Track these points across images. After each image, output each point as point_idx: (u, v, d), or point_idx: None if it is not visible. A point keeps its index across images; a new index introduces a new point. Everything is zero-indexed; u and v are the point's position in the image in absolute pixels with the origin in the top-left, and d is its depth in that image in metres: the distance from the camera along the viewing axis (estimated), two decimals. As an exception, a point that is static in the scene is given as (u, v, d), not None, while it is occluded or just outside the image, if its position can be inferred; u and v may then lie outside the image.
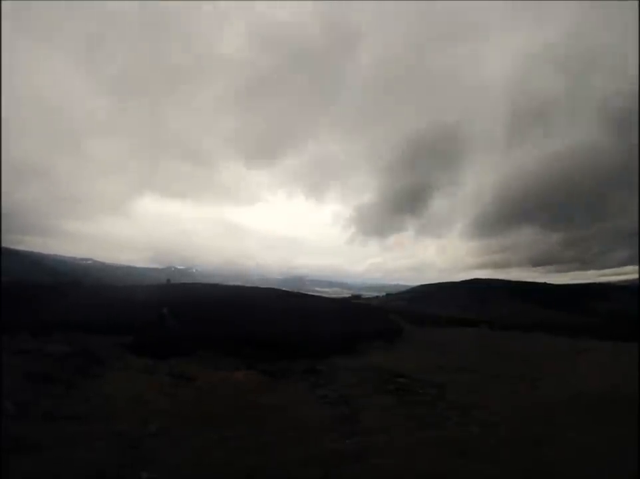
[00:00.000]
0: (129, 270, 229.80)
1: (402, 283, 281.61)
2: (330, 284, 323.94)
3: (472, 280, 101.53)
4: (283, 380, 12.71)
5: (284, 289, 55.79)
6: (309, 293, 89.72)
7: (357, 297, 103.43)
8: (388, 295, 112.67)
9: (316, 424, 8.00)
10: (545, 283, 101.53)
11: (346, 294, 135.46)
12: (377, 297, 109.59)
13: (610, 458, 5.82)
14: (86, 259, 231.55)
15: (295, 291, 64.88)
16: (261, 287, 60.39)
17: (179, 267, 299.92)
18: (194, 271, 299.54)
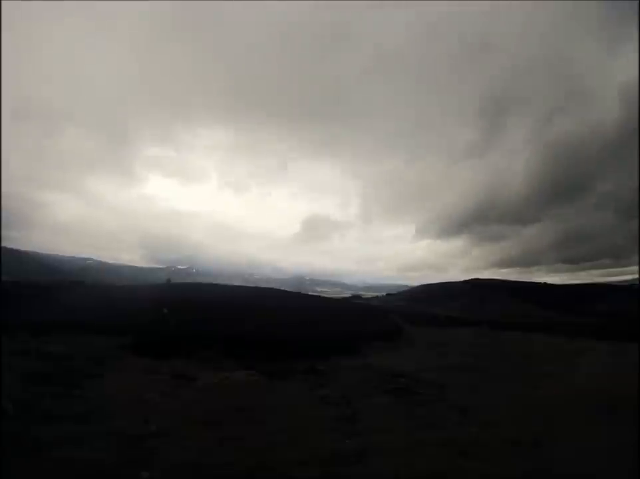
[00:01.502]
0: (129, 270, 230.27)
1: (402, 282, 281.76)
2: (331, 284, 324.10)
3: (472, 280, 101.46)
4: (283, 380, 12.72)
5: (284, 289, 55.89)
6: (308, 293, 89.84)
7: (357, 297, 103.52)
8: (388, 295, 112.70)
9: (316, 424, 8.00)
10: (545, 283, 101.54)
11: (346, 294, 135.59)
12: (377, 297, 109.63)
13: (610, 457, 5.82)
14: (86, 259, 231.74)
15: (295, 291, 64.96)
16: (261, 287, 60.49)
17: (179, 267, 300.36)
18: (194, 271, 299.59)
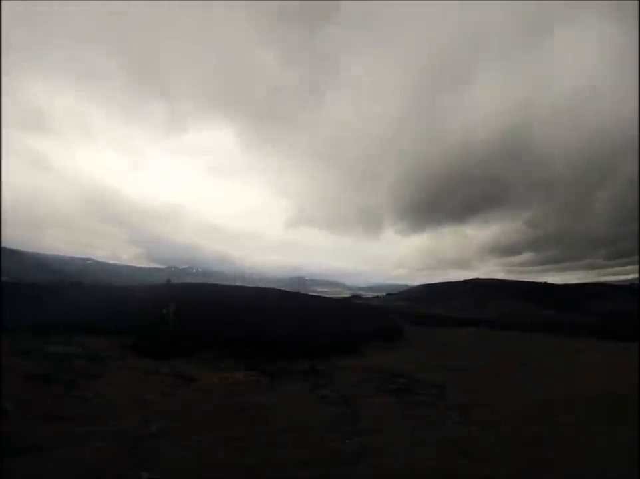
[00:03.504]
0: (129, 270, 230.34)
1: (402, 282, 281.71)
2: (331, 284, 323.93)
3: (472, 280, 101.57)
4: (283, 380, 12.72)
5: (284, 289, 55.89)
6: (308, 293, 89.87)
7: (357, 297, 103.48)
8: (388, 295, 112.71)
9: (316, 424, 8.00)
10: (545, 283, 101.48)
11: (346, 294, 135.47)
12: (377, 297, 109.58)
13: (610, 458, 5.82)
14: (86, 259, 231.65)
15: (295, 291, 64.99)
16: (261, 287, 60.52)
17: (179, 267, 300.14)
18: (194, 271, 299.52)
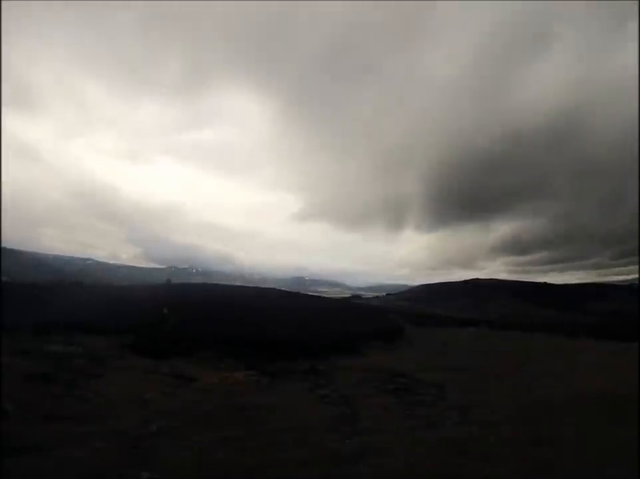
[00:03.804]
0: (129, 270, 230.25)
1: (402, 282, 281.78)
2: (331, 284, 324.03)
3: (472, 280, 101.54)
4: (283, 380, 12.73)
5: (284, 289, 55.95)
6: (308, 293, 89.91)
7: (357, 297, 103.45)
8: (388, 295, 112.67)
9: (316, 424, 8.00)
10: (545, 283, 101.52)
11: (346, 294, 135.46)
12: (377, 297, 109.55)
13: (610, 458, 5.81)
14: (86, 259, 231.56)
15: (295, 291, 65.04)
16: (261, 287, 60.57)
17: (179, 267, 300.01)
18: (194, 271, 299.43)
